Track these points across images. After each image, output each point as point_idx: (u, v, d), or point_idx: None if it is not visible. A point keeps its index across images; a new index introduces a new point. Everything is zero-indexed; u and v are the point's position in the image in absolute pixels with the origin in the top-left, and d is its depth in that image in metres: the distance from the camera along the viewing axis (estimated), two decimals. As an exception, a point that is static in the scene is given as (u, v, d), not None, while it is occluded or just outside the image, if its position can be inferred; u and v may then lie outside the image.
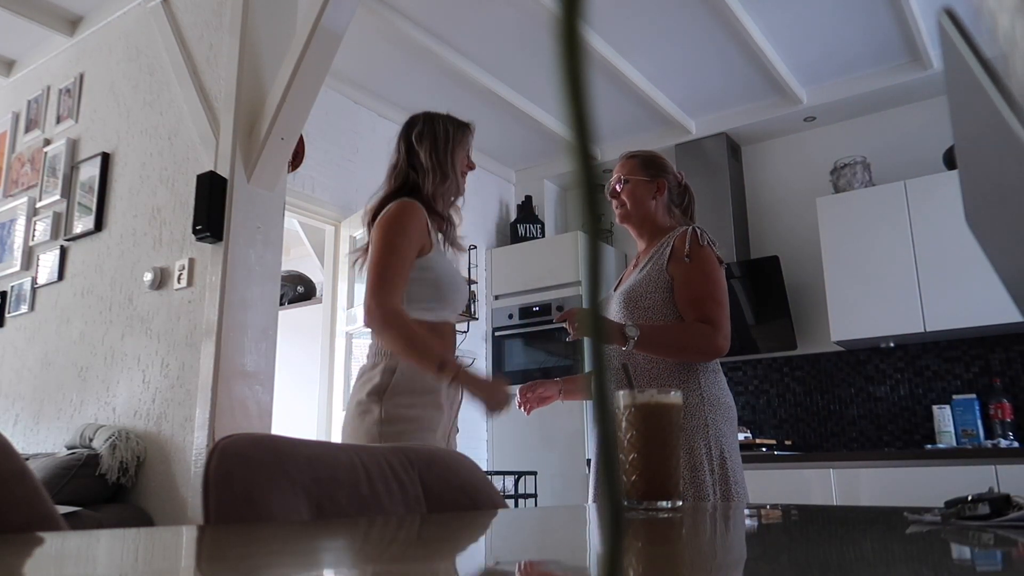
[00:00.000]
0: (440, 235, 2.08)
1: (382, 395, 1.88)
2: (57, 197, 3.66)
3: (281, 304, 3.58)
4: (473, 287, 4.93)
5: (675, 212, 2.16)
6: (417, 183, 2.04)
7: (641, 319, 1.97)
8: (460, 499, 1.14)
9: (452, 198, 2.10)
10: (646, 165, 2.14)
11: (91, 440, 2.89)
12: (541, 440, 4.68)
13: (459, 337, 4.80)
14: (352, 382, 2.05)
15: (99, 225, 3.42)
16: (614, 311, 2.04)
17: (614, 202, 2.15)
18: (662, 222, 2.12)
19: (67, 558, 0.57)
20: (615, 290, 2.15)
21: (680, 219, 2.15)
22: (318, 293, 5.24)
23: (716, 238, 2.07)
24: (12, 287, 3.77)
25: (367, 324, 1.91)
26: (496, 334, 5.02)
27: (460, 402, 2.04)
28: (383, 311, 1.86)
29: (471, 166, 2.15)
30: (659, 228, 2.11)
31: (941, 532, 0.71)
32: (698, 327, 1.91)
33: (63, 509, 2.45)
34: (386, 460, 1.09)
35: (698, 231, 2.01)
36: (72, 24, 3.94)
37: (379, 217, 2.00)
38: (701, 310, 1.92)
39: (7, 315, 3.77)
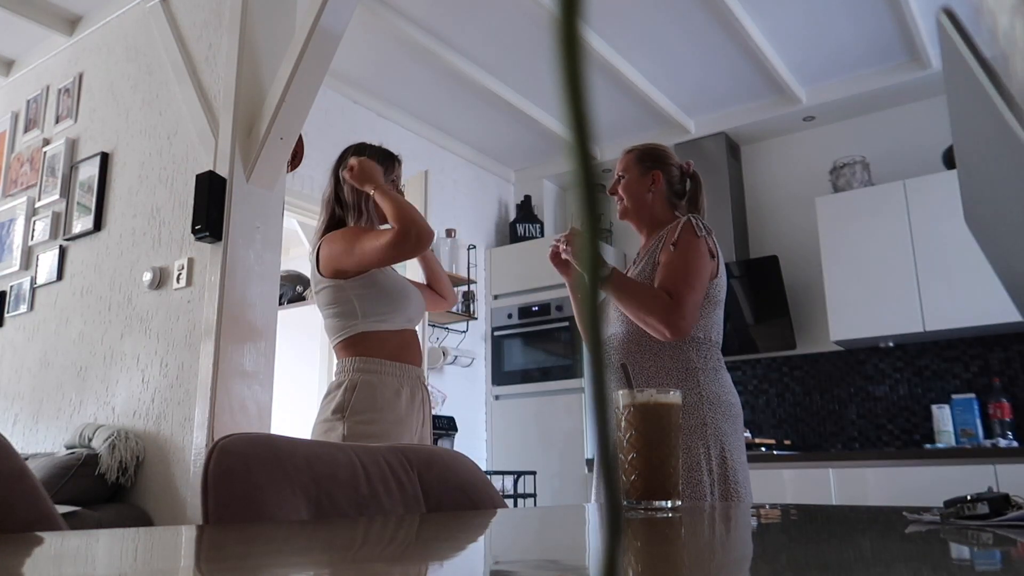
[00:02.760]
0: None
1: (344, 413, 2.01)
2: (56, 197, 3.65)
3: (280, 304, 3.58)
4: (472, 287, 4.93)
5: (678, 204, 2.11)
6: (343, 218, 2.23)
7: None
8: (459, 499, 1.14)
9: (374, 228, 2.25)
10: (641, 159, 2.12)
11: (90, 440, 2.89)
12: (540, 440, 4.68)
13: (457, 337, 4.84)
14: None
15: (98, 225, 3.42)
16: (611, 310, 2.02)
17: (615, 198, 2.15)
18: (661, 215, 2.08)
19: (66, 558, 0.57)
20: None
21: (684, 210, 2.10)
22: (317, 293, 5.24)
23: (716, 238, 2.05)
24: (11, 287, 3.77)
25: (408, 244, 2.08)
26: (495, 334, 5.02)
27: (430, 414, 2.20)
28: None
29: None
30: (658, 221, 2.08)
31: (940, 532, 0.71)
32: (662, 297, 1.86)
33: (62, 509, 2.45)
34: (385, 460, 1.09)
35: (693, 220, 1.96)
36: (71, 24, 3.94)
37: (320, 255, 2.19)
38: (669, 286, 1.88)
39: (6, 315, 3.76)
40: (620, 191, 2.11)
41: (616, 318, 2.00)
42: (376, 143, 2.33)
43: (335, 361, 2.19)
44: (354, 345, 2.11)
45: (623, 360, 1.91)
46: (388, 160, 2.26)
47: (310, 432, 2.11)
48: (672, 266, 1.91)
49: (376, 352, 2.09)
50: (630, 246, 5.25)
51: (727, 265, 4.44)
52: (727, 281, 2.05)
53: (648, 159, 2.11)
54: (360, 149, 2.26)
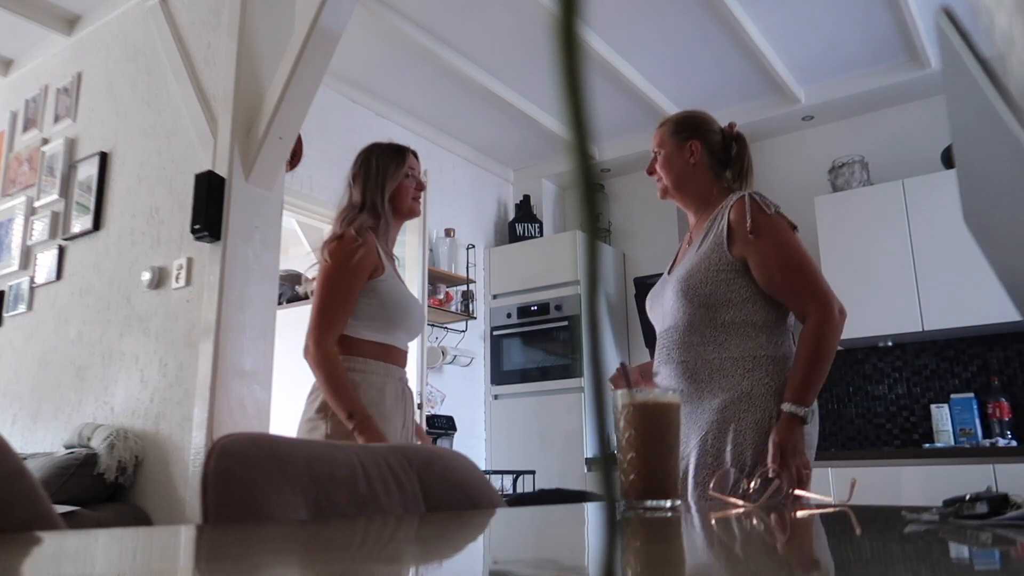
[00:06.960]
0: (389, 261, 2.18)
1: (327, 412, 1.99)
2: (55, 196, 3.65)
3: (279, 303, 3.58)
4: (471, 286, 4.93)
5: (723, 174, 1.93)
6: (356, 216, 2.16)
7: (702, 309, 1.78)
8: (459, 498, 1.14)
9: (391, 230, 2.20)
10: (676, 130, 1.94)
11: (89, 439, 2.89)
12: (539, 439, 4.68)
13: (456, 337, 4.84)
14: None
15: (97, 224, 3.42)
16: (670, 302, 1.83)
17: (654, 178, 1.98)
18: (707, 189, 1.91)
19: (65, 558, 0.57)
20: (669, 273, 1.93)
21: (730, 183, 1.93)
22: (316, 292, 5.23)
23: None
24: (10, 286, 3.77)
25: (305, 357, 2.03)
26: (494, 333, 5.03)
27: (414, 413, 2.18)
28: (320, 353, 1.98)
29: (419, 187, 2.24)
30: (705, 196, 1.91)
31: (939, 531, 0.71)
32: (813, 332, 1.73)
33: (61, 508, 2.45)
34: (384, 459, 1.09)
35: (756, 198, 1.77)
36: (70, 23, 3.94)
37: (332, 242, 2.09)
38: (806, 288, 1.74)
39: (5, 314, 3.76)
40: (657, 168, 1.94)
41: (673, 309, 1.82)
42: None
43: None
44: (340, 343, 2.07)
45: (683, 354, 1.78)
46: (396, 158, 2.22)
47: (295, 432, 2.09)
48: (782, 261, 1.75)
49: (361, 352, 2.06)
50: (630, 246, 5.26)
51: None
52: None
53: (684, 129, 1.95)
54: (366, 154, 2.23)
